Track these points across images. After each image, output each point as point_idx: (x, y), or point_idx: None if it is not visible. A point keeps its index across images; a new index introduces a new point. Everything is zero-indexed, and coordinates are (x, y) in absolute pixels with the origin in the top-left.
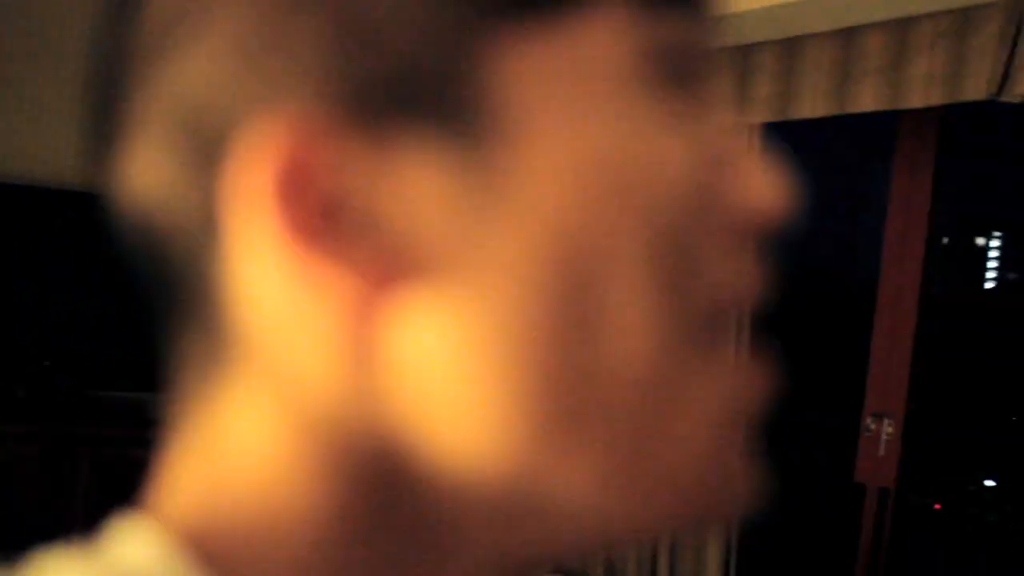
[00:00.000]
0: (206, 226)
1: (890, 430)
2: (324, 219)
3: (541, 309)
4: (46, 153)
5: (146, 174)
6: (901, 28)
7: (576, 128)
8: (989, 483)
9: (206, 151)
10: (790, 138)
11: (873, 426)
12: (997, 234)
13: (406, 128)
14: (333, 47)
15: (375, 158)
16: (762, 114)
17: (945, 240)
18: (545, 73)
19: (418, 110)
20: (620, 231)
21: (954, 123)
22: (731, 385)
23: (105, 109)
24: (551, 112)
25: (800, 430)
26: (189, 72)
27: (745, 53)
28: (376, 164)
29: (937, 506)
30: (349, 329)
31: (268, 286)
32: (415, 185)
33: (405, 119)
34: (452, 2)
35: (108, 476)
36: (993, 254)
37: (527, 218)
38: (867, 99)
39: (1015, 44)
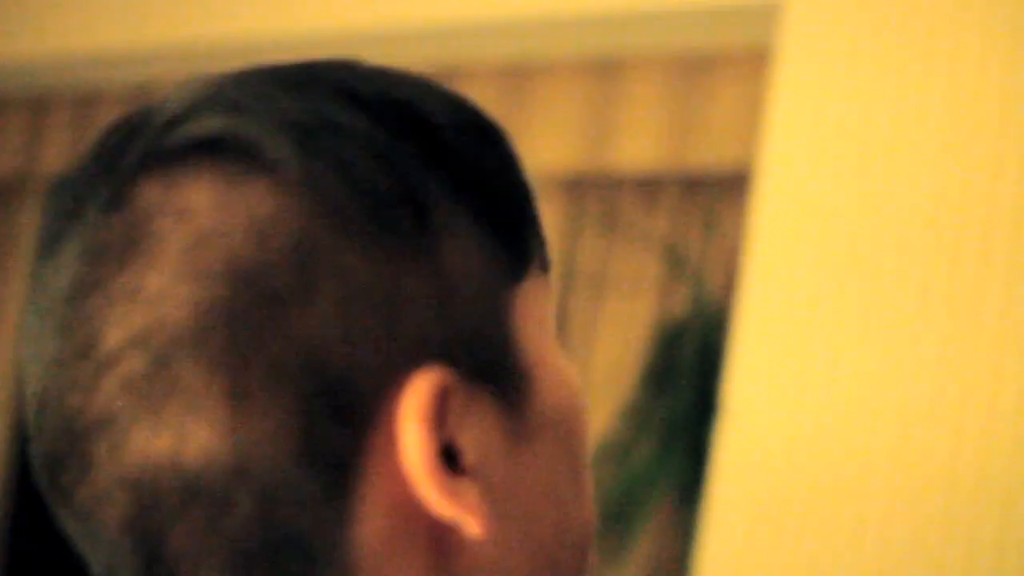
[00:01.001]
0: (333, 477)
1: None
2: (447, 461)
3: (546, 503)
4: None
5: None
6: None
7: (547, 363)
8: None
9: (341, 404)
10: None
11: None
12: None
13: (480, 384)
14: (438, 311)
15: (471, 411)
16: None
17: None
18: (527, 323)
19: (482, 369)
20: (580, 446)
21: None
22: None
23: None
24: (536, 356)
25: None
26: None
27: None
28: (469, 417)
29: None
30: (439, 546)
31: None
32: (484, 436)
33: (479, 376)
34: (491, 265)
35: None
36: None
37: (539, 449)
38: None
39: None
